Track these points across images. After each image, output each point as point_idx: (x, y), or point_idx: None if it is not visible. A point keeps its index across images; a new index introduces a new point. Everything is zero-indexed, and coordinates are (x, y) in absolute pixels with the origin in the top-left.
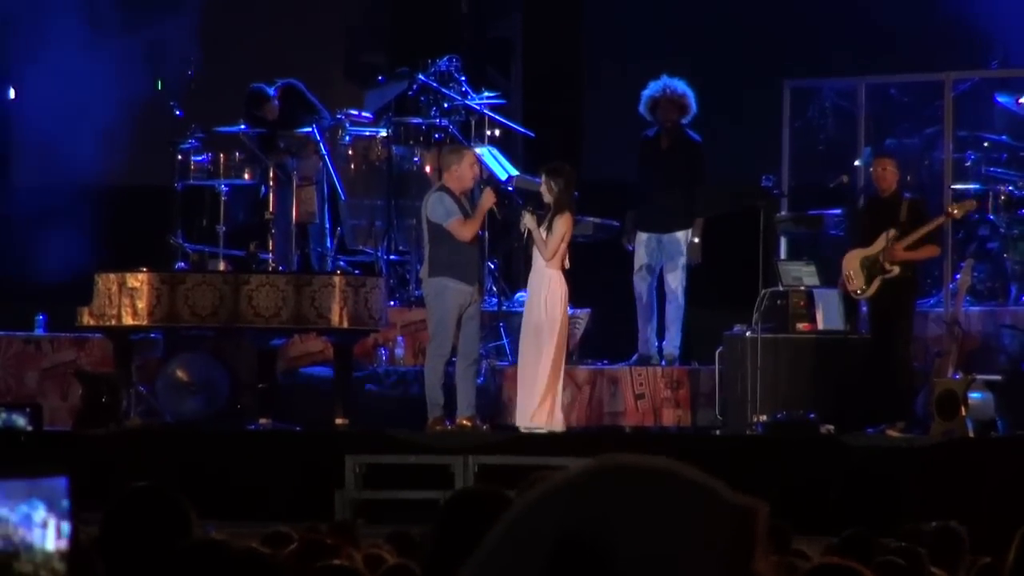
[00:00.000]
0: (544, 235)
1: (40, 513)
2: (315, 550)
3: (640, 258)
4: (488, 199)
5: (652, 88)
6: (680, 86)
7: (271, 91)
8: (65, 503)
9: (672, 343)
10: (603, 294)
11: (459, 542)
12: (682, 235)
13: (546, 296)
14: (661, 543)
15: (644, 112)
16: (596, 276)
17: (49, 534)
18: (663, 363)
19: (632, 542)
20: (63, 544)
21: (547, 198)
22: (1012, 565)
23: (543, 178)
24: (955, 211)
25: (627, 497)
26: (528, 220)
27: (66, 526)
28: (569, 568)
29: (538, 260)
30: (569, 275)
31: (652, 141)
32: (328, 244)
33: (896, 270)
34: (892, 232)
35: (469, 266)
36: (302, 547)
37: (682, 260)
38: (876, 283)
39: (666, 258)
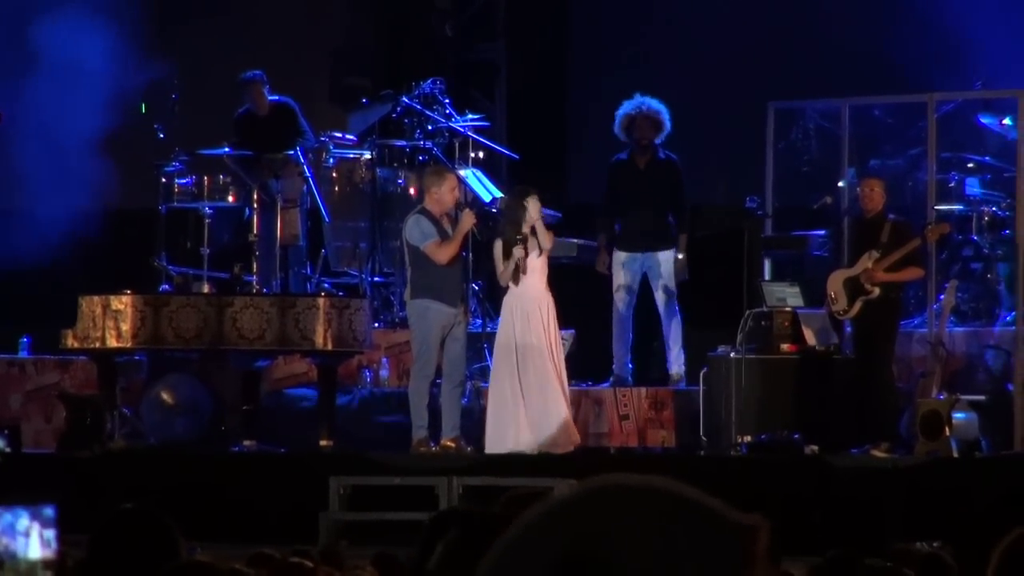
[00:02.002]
0: (537, 255)
1: (23, 522)
2: (298, 573)
3: (620, 278)
4: (467, 221)
5: (626, 107)
6: (654, 103)
7: (267, 92)
8: (49, 512)
9: (678, 362)
10: (587, 315)
11: (443, 562)
12: (667, 254)
13: (550, 315)
14: (662, 561)
15: (619, 132)
16: (580, 297)
17: (32, 542)
18: (670, 385)
19: (632, 560)
20: (48, 552)
21: (537, 218)
22: None
23: (535, 198)
24: (930, 235)
25: (627, 516)
26: (518, 251)
27: (50, 533)
28: None
29: (534, 282)
30: (552, 296)
31: (627, 163)
32: (307, 266)
33: (877, 291)
34: (874, 253)
35: (451, 288)
36: (285, 570)
37: (672, 279)
38: (858, 304)
39: (656, 278)
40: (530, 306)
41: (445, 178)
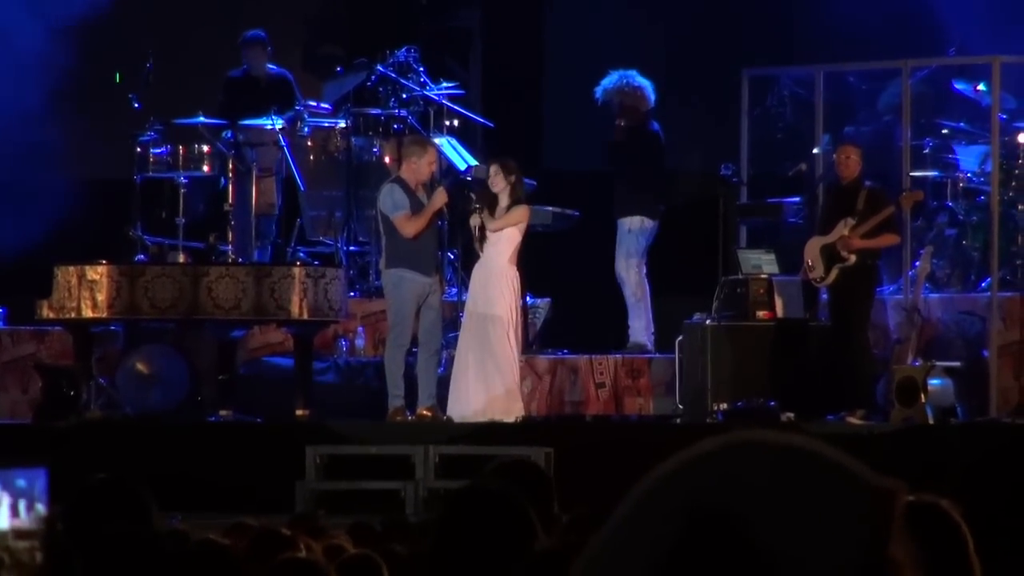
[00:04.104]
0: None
1: None
2: (275, 542)
3: None
4: (439, 199)
5: (606, 80)
6: (611, 83)
7: (269, 55)
8: (21, 482)
9: (646, 332)
10: (562, 283)
11: (465, 538)
12: (625, 222)
13: (512, 288)
14: (796, 521)
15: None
16: (555, 265)
17: (2, 513)
18: (637, 353)
19: (767, 518)
20: (18, 523)
21: (497, 188)
22: None
23: (494, 168)
24: (904, 202)
25: (762, 473)
26: (474, 220)
27: (23, 504)
28: (700, 543)
29: (492, 254)
30: (528, 265)
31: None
32: (272, 236)
33: (853, 258)
34: (849, 220)
35: (425, 257)
36: (261, 538)
37: (623, 248)
38: (835, 271)
39: (617, 246)
40: (491, 276)
41: (425, 150)
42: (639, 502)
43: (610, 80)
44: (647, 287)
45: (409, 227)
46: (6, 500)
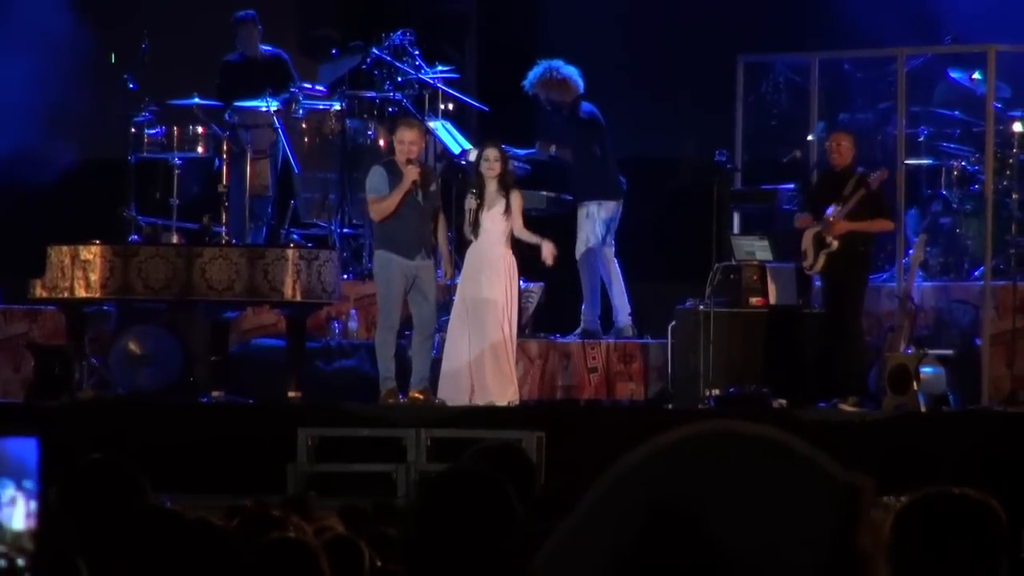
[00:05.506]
0: (501, 212)
1: (9, 491)
2: (266, 522)
3: None
4: (407, 177)
5: (532, 72)
6: (536, 74)
7: (260, 35)
8: (30, 484)
9: (623, 312)
10: (555, 268)
11: (446, 520)
12: (584, 208)
13: (509, 274)
14: (760, 514)
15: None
16: None
17: (17, 512)
18: (618, 337)
19: (732, 509)
20: (32, 523)
21: (495, 173)
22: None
23: (494, 152)
24: (872, 183)
25: (729, 464)
26: (469, 203)
27: (35, 504)
28: (662, 534)
29: (488, 239)
30: (522, 249)
31: None
32: (268, 218)
33: (836, 244)
34: (836, 207)
35: (409, 240)
36: (252, 519)
37: (582, 234)
38: (821, 258)
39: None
40: (486, 261)
41: (397, 128)
42: (604, 492)
43: (535, 72)
44: (618, 269)
45: (374, 210)
46: (21, 502)
